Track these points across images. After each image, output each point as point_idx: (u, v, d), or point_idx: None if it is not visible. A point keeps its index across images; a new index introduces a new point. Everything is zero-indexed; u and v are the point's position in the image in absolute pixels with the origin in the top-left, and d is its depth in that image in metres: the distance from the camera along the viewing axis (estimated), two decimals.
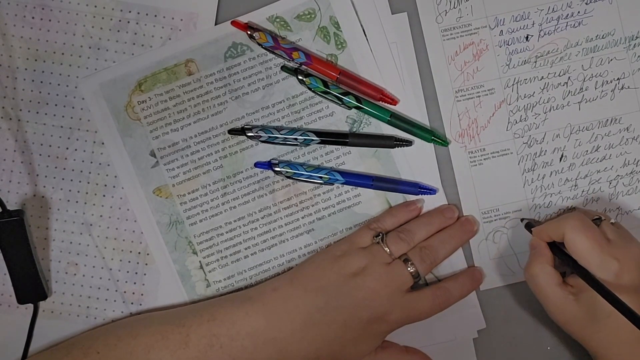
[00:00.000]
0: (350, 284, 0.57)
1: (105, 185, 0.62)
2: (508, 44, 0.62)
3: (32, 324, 0.60)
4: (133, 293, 0.63)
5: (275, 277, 0.60)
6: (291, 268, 0.62)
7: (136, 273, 0.63)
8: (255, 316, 0.56)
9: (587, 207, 0.63)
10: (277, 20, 0.61)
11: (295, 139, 0.61)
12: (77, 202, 0.62)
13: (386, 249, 0.58)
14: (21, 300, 0.60)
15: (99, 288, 0.63)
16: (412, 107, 0.62)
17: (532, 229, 0.60)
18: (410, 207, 0.61)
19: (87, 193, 0.62)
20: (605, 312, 0.53)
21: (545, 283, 0.57)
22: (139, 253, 0.63)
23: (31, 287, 0.60)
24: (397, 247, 0.59)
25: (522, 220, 0.62)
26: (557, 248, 0.58)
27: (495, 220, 0.63)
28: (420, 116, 0.62)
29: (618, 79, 0.62)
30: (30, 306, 0.61)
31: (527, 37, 0.62)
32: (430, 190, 0.62)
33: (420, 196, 0.62)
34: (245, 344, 0.55)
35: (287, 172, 0.61)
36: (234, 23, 0.61)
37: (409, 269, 0.58)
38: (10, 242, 0.59)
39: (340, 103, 0.61)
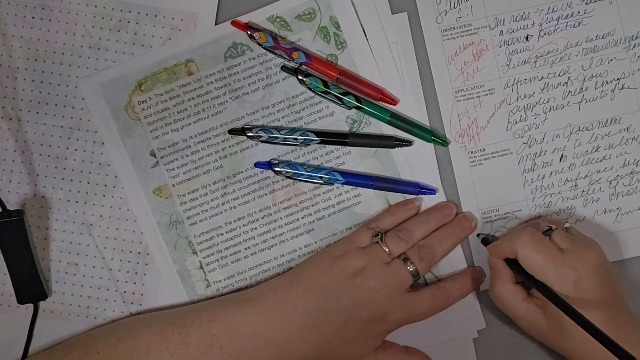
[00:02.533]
0: (349, 284, 0.57)
1: (105, 185, 0.62)
2: (508, 44, 0.62)
3: (32, 324, 0.60)
4: (133, 293, 0.63)
5: (275, 278, 0.60)
6: (291, 268, 0.62)
7: (136, 273, 0.63)
8: (255, 317, 0.56)
9: (587, 207, 0.63)
10: (277, 20, 0.61)
11: (295, 139, 0.61)
12: (77, 202, 0.62)
13: (385, 248, 0.58)
14: (21, 300, 0.60)
15: (99, 288, 0.63)
16: (412, 107, 0.62)
17: (487, 247, 0.60)
18: (409, 206, 0.61)
19: (87, 193, 0.62)
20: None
21: (511, 301, 0.57)
22: (139, 253, 0.63)
23: (31, 287, 0.60)
24: (396, 246, 0.59)
25: (478, 235, 0.62)
26: (514, 264, 0.57)
27: (495, 220, 0.63)
28: (420, 116, 0.62)
29: (618, 79, 0.62)
30: (30, 306, 0.61)
31: (527, 37, 0.62)
32: (430, 190, 0.62)
33: (419, 195, 0.62)
34: (245, 345, 0.55)
35: (287, 172, 0.61)
36: (234, 23, 0.61)
37: (408, 267, 0.58)
38: (10, 242, 0.59)
39: (340, 103, 0.61)
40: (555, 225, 0.58)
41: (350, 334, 0.57)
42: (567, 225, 0.59)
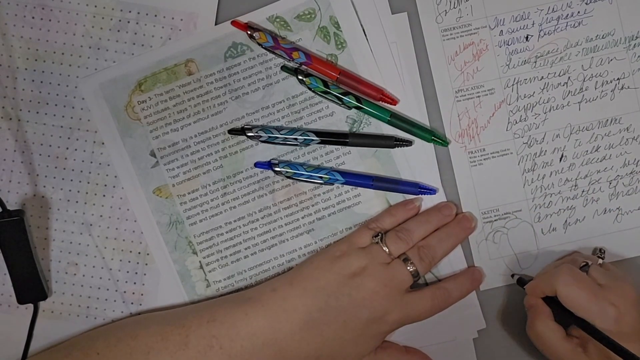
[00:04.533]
0: (349, 284, 0.57)
1: (105, 185, 0.62)
2: (508, 44, 0.62)
3: (32, 324, 0.60)
4: (133, 293, 0.63)
5: (275, 278, 0.60)
6: (291, 268, 0.62)
7: (136, 273, 0.63)
8: (255, 317, 0.56)
9: (587, 207, 0.63)
10: (277, 20, 0.61)
11: (295, 139, 0.61)
12: (77, 202, 0.62)
13: (385, 248, 0.58)
14: (21, 300, 0.60)
15: (99, 288, 0.63)
16: (412, 107, 0.62)
17: (524, 287, 0.60)
18: (409, 206, 0.61)
19: (87, 193, 0.62)
20: (616, 357, 0.53)
21: (552, 339, 0.57)
22: (139, 253, 0.63)
23: (31, 287, 0.60)
24: (396, 246, 0.59)
25: (512, 275, 0.62)
26: (554, 302, 0.57)
27: (495, 220, 0.63)
28: (420, 116, 0.62)
29: (618, 79, 0.62)
30: (30, 306, 0.61)
31: (527, 37, 0.62)
32: (430, 190, 0.62)
33: (419, 195, 0.62)
34: (244, 345, 0.55)
35: (287, 172, 0.61)
36: (234, 23, 0.61)
37: (408, 268, 0.58)
38: (10, 242, 0.59)
39: (340, 103, 0.61)
40: (590, 260, 0.59)
41: (350, 334, 0.57)
42: (600, 262, 0.60)
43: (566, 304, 0.56)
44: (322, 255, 0.59)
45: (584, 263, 0.58)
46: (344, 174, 0.61)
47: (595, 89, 0.62)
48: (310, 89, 0.61)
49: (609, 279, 0.57)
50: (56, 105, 0.62)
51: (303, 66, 0.61)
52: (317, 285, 0.57)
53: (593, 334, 0.54)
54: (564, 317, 0.57)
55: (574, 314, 0.56)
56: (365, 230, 0.60)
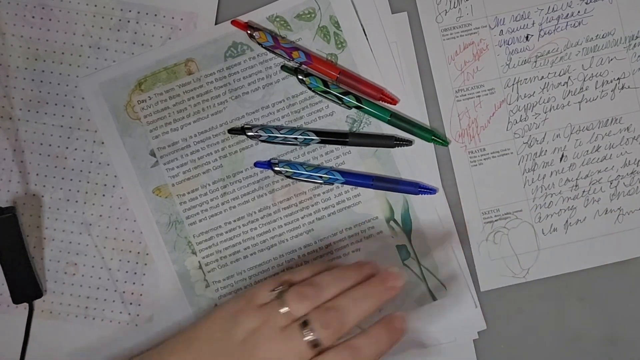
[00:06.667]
0: (238, 353, 0.49)
1: (105, 185, 0.62)
2: (508, 44, 0.62)
3: (28, 323, 0.60)
4: (132, 293, 0.62)
5: (179, 333, 0.55)
6: (290, 268, 0.62)
7: (135, 273, 0.62)
8: None
9: (588, 207, 0.62)
10: (277, 19, 0.61)
11: (295, 138, 0.61)
12: (76, 201, 0.62)
13: (283, 308, 0.49)
14: (16, 299, 0.60)
15: (98, 288, 0.62)
16: (412, 107, 0.62)
17: None
18: (353, 269, 0.52)
19: (86, 193, 0.62)
20: None
21: None
22: (139, 253, 0.62)
23: (26, 286, 0.60)
24: (297, 305, 0.49)
25: None
26: None
27: (495, 220, 0.63)
28: (420, 116, 0.62)
29: (618, 78, 0.62)
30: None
31: (527, 37, 0.62)
32: (430, 190, 0.62)
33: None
34: None
35: (287, 171, 0.61)
36: (234, 22, 0.61)
37: (305, 337, 0.48)
38: (2, 239, 0.59)
39: (340, 103, 0.61)
40: None
41: None
42: None
43: None
44: (222, 311, 0.53)
45: None
46: (344, 173, 0.61)
47: (596, 88, 0.62)
48: (310, 88, 0.61)
49: None
50: (56, 104, 0.62)
51: (303, 66, 0.61)
52: (210, 349, 0.51)
53: None
54: None
55: None
56: (271, 282, 0.52)
